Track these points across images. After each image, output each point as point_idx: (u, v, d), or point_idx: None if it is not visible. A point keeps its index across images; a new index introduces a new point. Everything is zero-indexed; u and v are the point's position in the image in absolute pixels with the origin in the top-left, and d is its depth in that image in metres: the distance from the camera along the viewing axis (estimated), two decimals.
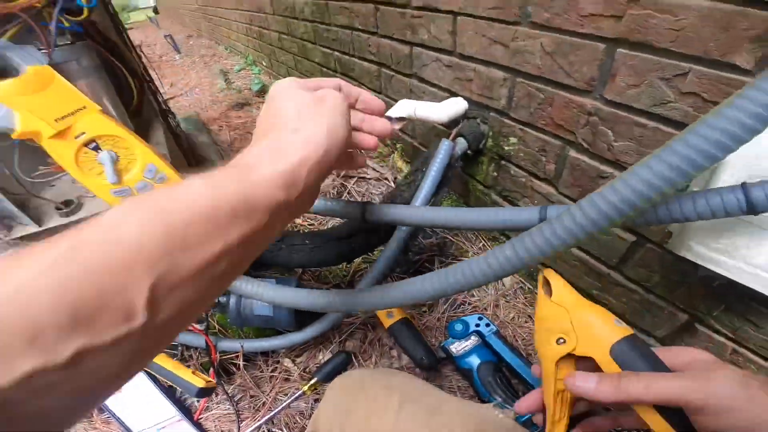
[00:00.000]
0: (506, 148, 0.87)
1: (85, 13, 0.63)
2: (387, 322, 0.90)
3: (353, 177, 1.47)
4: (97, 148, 0.56)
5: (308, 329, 0.91)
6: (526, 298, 0.97)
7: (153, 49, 5.04)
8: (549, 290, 0.38)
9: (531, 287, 0.98)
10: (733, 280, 0.49)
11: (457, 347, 0.84)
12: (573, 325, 0.35)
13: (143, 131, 0.84)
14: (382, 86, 1.32)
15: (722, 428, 0.28)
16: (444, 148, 0.81)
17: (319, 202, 0.68)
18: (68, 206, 0.65)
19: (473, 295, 1.01)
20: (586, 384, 0.33)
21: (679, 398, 0.29)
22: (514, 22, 0.73)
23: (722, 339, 0.62)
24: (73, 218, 0.66)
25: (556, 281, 0.38)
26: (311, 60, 1.87)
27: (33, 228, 0.63)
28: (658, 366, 0.32)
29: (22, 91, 0.51)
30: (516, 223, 0.48)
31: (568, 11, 0.62)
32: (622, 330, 0.34)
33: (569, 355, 0.35)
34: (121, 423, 0.87)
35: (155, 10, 5.25)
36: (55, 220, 0.65)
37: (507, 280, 1.01)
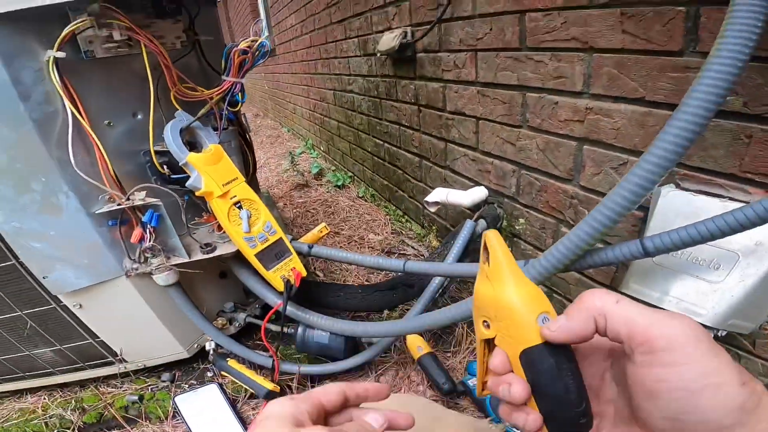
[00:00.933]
0: (517, 227, 1.13)
1: (239, 105, 0.96)
2: (417, 354, 1.12)
3: (394, 253, 1.75)
4: (240, 207, 0.87)
5: (353, 358, 1.13)
6: None
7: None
8: (488, 257, 0.32)
9: None
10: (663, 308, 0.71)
11: (474, 382, 1.03)
12: (496, 310, 0.31)
13: None
14: (423, 175, 1.64)
15: (663, 377, 0.25)
16: (467, 227, 1.08)
17: (369, 258, 0.96)
18: (208, 247, 0.96)
19: None
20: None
21: (626, 332, 0.26)
22: (518, 125, 1.02)
23: None
24: (211, 255, 0.95)
25: (493, 249, 0.32)
26: (364, 149, 2.25)
27: (184, 259, 0.93)
28: (576, 387, 0.29)
29: (207, 162, 0.83)
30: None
31: (552, 117, 0.91)
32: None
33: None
34: (189, 428, 1.07)
35: None
36: (199, 255, 0.94)
37: None
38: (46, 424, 1.14)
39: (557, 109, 0.89)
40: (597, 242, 0.61)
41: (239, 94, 0.92)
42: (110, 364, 1.17)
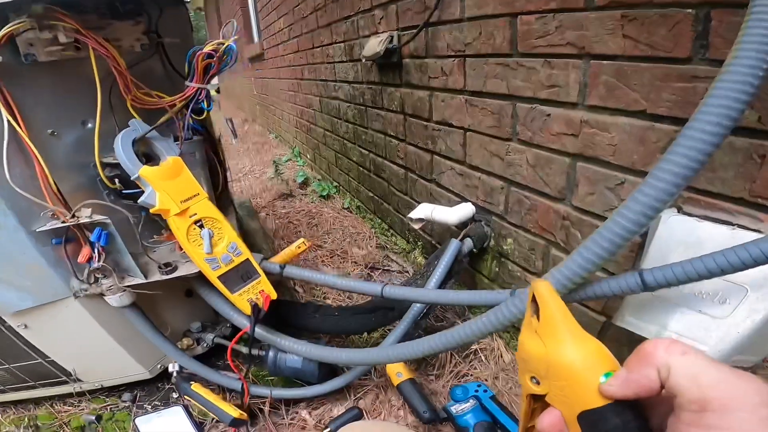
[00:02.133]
0: (504, 247, 1.06)
1: (205, 114, 0.87)
2: (396, 381, 1.04)
3: (378, 269, 1.68)
4: (201, 226, 0.79)
5: (329, 383, 1.06)
6: None
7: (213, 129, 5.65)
8: (536, 310, 0.31)
9: None
10: None
11: (456, 408, 0.96)
12: (548, 369, 0.29)
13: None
14: (408, 189, 1.57)
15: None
16: (452, 246, 1.01)
17: (345, 281, 0.89)
18: (168, 267, 0.87)
19: (475, 368, 1.14)
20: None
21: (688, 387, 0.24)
22: (507, 138, 0.95)
23: None
24: (171, 276, 0.87)
25: (544, 304, 0.30)
26: (350, 158, 2.18)
27: (140, 280, 0.85)
28: None
29: (164, 176, 0.76)
30: (491, 301, 0.66)
31: (543, 130, 0.84)
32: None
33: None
34: None
35: (218, 90, 5.84)
36: (157, 276, 0.86)
37: (507, 356, 1.14)
38: None
39: (549, 122, 0.83)
40: (593, 273, 0.54)
41: (204, 101, 0.84)
42: (64, 383, 1.10)
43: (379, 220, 1.99)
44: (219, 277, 0.83)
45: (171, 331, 1.11)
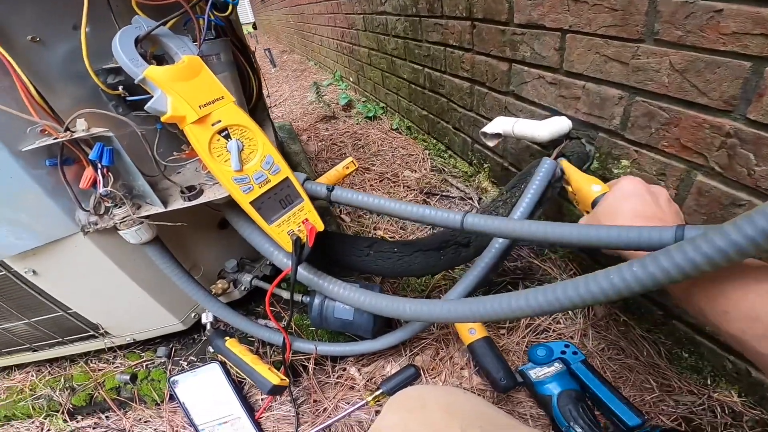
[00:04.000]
0: (615, 171, 0.82)
1: (230, 9, 0.68)
2: (468, 339, 0.87)
3: (436, 194, 1.46)
4: (227, 137, 0.60)
5: (382, 338, 0.90)
6: (619, 330, 0.90)
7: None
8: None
9: (626, 319, 0.91)
10: None
11: (537, 372, 0.80)
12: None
13: None
14: (474, 104, 1.31)
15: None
16: (546, 166, 0.78)
17: (412, 208, 0.69)
18: (191, 191, 0.71)
19: (559, 322, 0.95)
20: None
21: None
22: (637, 40, 0.69)
23: None
24: (194, 202, 0.70)
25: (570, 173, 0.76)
26: (399, 76, 1.91)
27: (159, 209, 0.69)
28: None
29: (177, 77, 0.56)
30: (646, 242, 0.44)
31: (706, 29, 0.58)
32: (602, 189, 0.67)
33: None
34: (187, 413, 0.91)
35: (254, 26, 5.60)
36: (179, 203, 0.70)
37: (600, 309, 0.94)
38: (33, 407, 1.01)
39: (720, 19, 0.56)
40: None
41: None
42: (95, 338, 0.99)
43: (435, 141, 1.75)
44: (252, 203, 0.65)
45: (203, 273, 0.96)
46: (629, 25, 0.69)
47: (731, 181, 0.61)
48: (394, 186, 1.57)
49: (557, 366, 0.80)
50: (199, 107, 0.57)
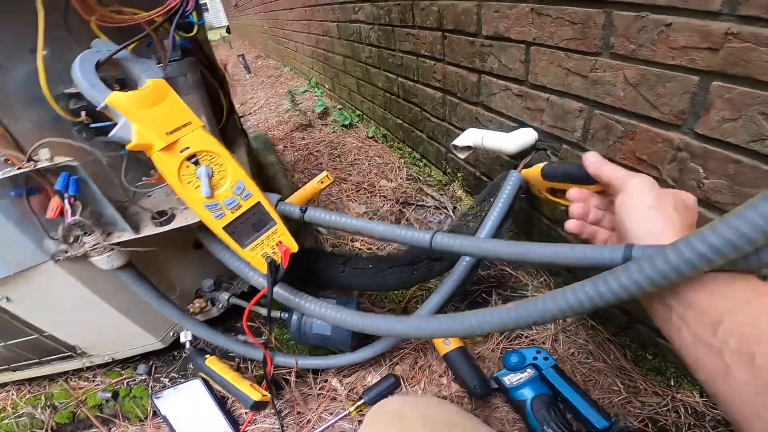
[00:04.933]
0: None
1: (195, 29, 0.67)
2: (443, 350, 0.89)
3: (411, 204, 1.48)
4: (196, 163, 0.61)
5: (361, 351, 0.92)
6: (588, 334, 0.94)
7: (226, 68, 5.41)
8: None
9: (594, 323, 0.94)
10: None
11: (511, 379, 0.83)
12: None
13: (228, 149, 0.90)
14: (446, 113, 1.33)
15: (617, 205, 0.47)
16: (512, 180, 0.80)
17: (382, 228, 0.70)
18: (162, 216, 0.71)
19: (531, 328, 0.98)
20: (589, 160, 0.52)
21: (614, 180, 0.50)
22: (594, 53, 0.72)
23: None
24: (166, 228, 0.70)
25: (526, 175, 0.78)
26: (374, 84, 1.93)
27: (130, 235, 0.69)
28: (571, 164, 0.62)
29: (141, 103, 0.56)
30: (596, 261, 0.47)
31: (657, 43, 0.61)
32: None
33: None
34: (171, 429, 0.91)
35: (228, 30, 5.55)
36: (150, 229, 0.70)
37: None
38: (17, 424, 0.99)
39: (670, 33, 0.59)
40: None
41: (194, 13, 0.62)
42: (72, 358, 0.98)
43: (410, 149, 1.77)
44: (225, 228, 0.65)
45: (181, 292, 0.96)
46: (588, 38, 0.72)
47: None
48: (371, 196, 1.58)
49: (530, 372, 0.83)
50: (166, 134, 0.57)
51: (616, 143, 0.73)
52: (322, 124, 2.43)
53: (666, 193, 0.45)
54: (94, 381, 1.05)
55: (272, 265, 0.71)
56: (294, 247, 0.73)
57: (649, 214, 0.43)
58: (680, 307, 0.37)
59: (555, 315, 0.45)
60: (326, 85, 2.88)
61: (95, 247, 0.67)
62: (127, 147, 0.57)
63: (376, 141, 2.06)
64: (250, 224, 0.68)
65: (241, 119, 2.86)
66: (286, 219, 0.76)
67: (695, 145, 0.60)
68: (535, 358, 0.85)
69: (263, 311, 0.90)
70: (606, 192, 0.53)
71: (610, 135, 0.74)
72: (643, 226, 0.43)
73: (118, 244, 0.68)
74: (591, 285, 0.41)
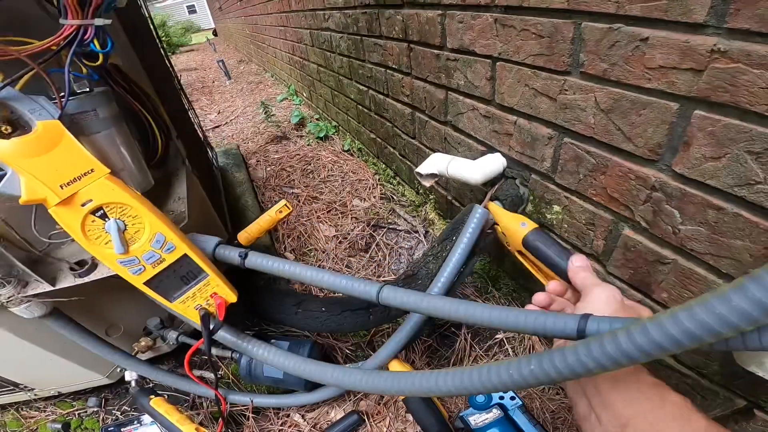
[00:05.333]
0: (548, 216, 0.78)
1: (100, 59, 0.57)
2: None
3: (383, 227, 1.41)
4: (104, 216, 0.53)
5: (320, 392, 0.88)
6: None
7: (207, 73, 5.33)
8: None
9: None
10: None
11: (476, 419, 0.79)
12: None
13: (165, 185, 0.82)
14: (416, 131, 1.26)
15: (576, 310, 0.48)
16: (477, 216, 0.73)
17: (328, 278, 0.63)
18: (82, 267, 0.63)
19: None
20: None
21: (582, 286, 0.51)
22: (563, 72, 0.64)
23: None
24: (85, 279, 0.63)
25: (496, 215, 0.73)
26: (347, 96, 1.85)
27: (47, 287, 0.61)
28: (557, 249, 0.62)
29: (29, 152, 0.48)
30: (550, 331, 0.41)
31: (631, 61, 0.53)
32: (529, 225, 0.67)
33: None
34: None
35: (214, 33, 5.52)
36: (68, 281, 0.62)
37: (540, 347, 0.91)
38: None
39: (646, 49, 0.51)
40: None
41: (95, 41, 0.54)
42: (17, 391, 0.94)
43: (384, 166, 1.69)
44: (146, 283, 0.58)
45: (125, 331, 0.90)
46: (556, 54, 0.65)
47: (657, 238, 0.57)
48: (342, 217, 1.51)
49: (495, 412, 0.80)
50: (61, 187, 0.49)
51: (587, 177, 0.66)
52: (298, 136, 2.35)
53: (627, 308, 0.46)
54: (45, 411, 1.04)
55: (206, 318, 0.64)
56: (231, 298, 0.66)
57: None
58: (598, 406, 0.39)
59: (496, 387, 0.41)
60: (304, 94, 2.80)
61: (10, 299, 0.59)
62: (20, 202, 0.49)
63: (352, 155, 1.99)
64: (177, 277, 0.60)
65: (216, 129, 2.78)
66: (225, 265, 0.69)
67: (672, 185, 0.53)
68: (502, 398, 0.82)
69: (215, 351, 0.87)
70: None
71: (581, 167, 0.67)
72: None
73: (36, 296, 0.60)
74: (536, 361, 0.38)
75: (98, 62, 0.57)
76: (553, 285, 0.56)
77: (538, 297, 0.54)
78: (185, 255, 0.59)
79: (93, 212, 0.52)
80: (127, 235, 0.54)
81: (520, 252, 0.70)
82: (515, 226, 0.69)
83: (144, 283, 0.58)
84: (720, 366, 0.57)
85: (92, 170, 0.52)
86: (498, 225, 0.74)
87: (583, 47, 0.59)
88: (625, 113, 0.56)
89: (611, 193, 0.62)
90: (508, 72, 0.77)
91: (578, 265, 0.54)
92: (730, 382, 0.57)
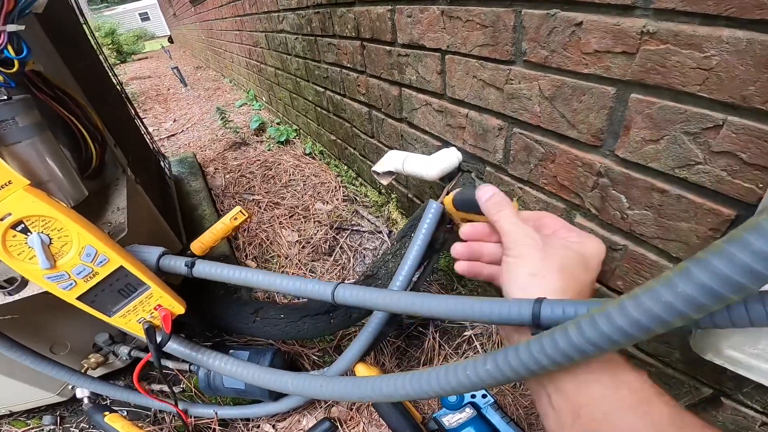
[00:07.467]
0: None
1: (16, 65, 0.53)
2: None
3: (346, 229, 1.39)
4: (26, 231, 0.49)
5: (285, 400, 0.85)
6: None
7: (162, 81, 5.16)
8: None
9: None
10: None
11: (450, 419, 0.78)
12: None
13: (103, 195, 0.77)
14: (374, 130, 1.25)
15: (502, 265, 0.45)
16: (432, 212, 0.72)
17: (279, 281, 0.61)
18: (11, 284, 0.58)
19: None
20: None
21: (501, 234, 0.46)
22: (508, 61, 0.64)
23: (751, 412, 0.54)
24: (15, 297, 0.58)
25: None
26: (305, 98, 1.82)
27: None
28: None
29: None
30: (505, 318, 0.40)
31: (569, 47, 0.53)
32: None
33: None
34: None
35: (170, 40, 5.42)
36: (0, 299, 0.58)
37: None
38: None
39: (581, 34, 0.51)
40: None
41: (8, 47, 0.50)
42: None
43: (346, 167, 1.67)
44: (80, 298, 0.54)
45: (72, 348, 0.85)
46: (500, 43, 0.64)
47: (606, 224, 0.58)
48: (305, 221, 1.47)
49: (468, 411, 0.78)
50: None
51: (537, 166, 0.66)
52: (258, 141, 2.29)
53: (556, 252, 0.43)
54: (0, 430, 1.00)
55: (150, 331, 0.60)
56: (178, 310, 0.62)
57: (529, 282, 0.41)
58: (553, 393, 0.36)
59: (455, 389, 0.41)
60: (264, 98, 2.75)
61: None
62: None
63: (313, 158, 1.95)
64: (114, 291, 0.57)
65: (171, 137, 2.69)
66: (171, 278, 0.65)
67: (616, 170, 0.53)
68: (473, 396, 0.81)
69: (171, 364, 0.85)
70: None
71: (531, 157, 0.67)
72: (521, 295, 0.40)
73: None
74: (491, 361, 0.37)
75: (14, 69, 0.53)
76: (466, 229, 0.53)
77: (455, 248, 0.51)
78: (121, 267, 0.56)
79: (13, 227, 0.48)
80: (53, 249, 0.50)
81: (463, 220, 0.65)
82: (449, 200, 0.67)
83: (77, 299, 0.54)
84: (681, 354, 0.57)
85: (9, 182, 0.47)
86: (449, 212, 0.73)
87: (525, 35, 0.59)
88: (567, 100, 0.57)
89: (561, 182, 0.63)
90: (457, 65, 0.76)
91: (485, 199, 0.49)
92: (693, 369, 0.57)
